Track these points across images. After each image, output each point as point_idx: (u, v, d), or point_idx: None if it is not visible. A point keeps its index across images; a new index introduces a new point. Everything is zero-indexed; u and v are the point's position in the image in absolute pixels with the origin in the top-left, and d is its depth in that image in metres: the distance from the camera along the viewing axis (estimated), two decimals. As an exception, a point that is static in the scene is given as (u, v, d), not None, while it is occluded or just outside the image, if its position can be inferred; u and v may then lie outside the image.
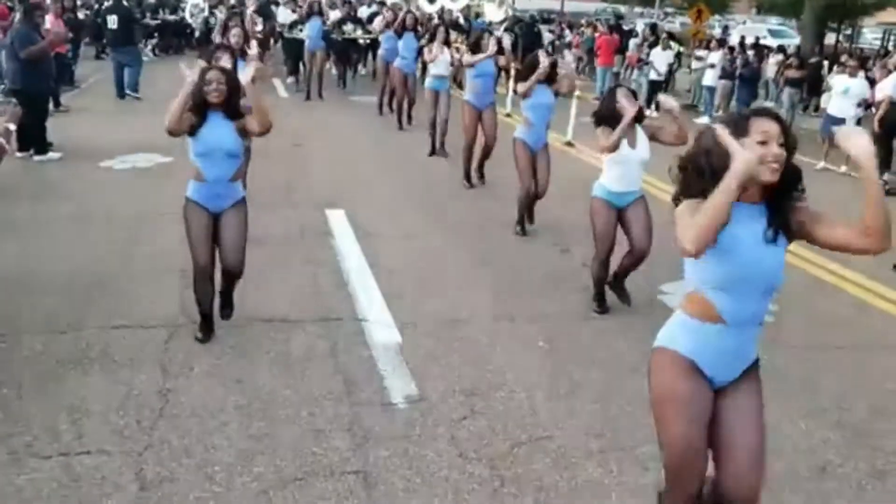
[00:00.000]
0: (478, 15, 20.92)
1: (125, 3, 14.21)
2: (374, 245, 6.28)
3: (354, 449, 3.52)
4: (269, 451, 3.46)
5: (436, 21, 14.14)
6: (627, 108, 4.81)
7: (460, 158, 8.57)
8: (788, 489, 3.41)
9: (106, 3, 15.54)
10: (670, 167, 2.52)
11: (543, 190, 6.70)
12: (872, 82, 11.42)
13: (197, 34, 19.05)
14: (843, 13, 24.27)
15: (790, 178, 2.37)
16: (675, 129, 4.71)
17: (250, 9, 13.71)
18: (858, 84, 10.89)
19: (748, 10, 38.68)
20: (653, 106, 13.78)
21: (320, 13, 14.15)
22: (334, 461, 3.42)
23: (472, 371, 4.30)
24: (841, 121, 10.75)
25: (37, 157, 8.59)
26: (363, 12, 17.78)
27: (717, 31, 26.42)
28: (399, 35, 11.57)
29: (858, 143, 2.21)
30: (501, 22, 18.23)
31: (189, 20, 19.86)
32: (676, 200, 2.46)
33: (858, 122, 11.07)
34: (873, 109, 10.59)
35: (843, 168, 10.68)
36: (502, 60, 8.61)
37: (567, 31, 24.92)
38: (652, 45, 16.75)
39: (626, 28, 21.72)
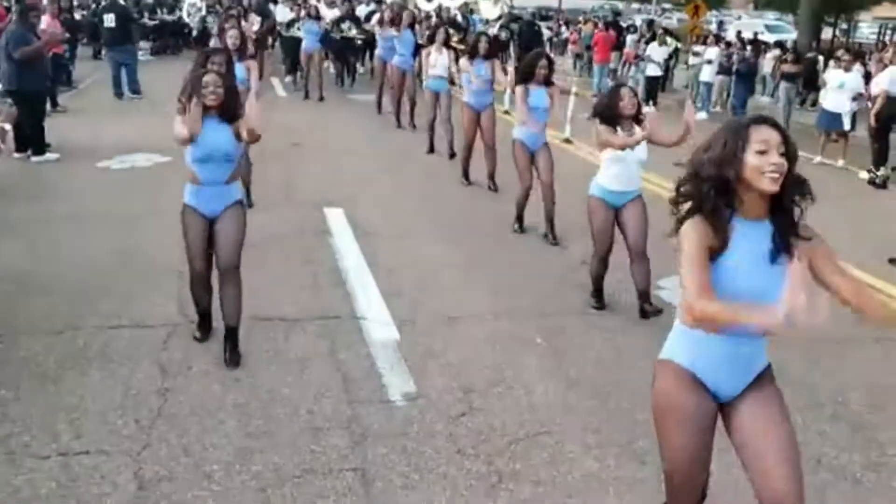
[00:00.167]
0: (472, 11, 20.91)
1: (122, 1, 14.20)
2: (372, 243, 6.29)
3: (353, 446, 3.53)
4: (267, 450, 3.47)
5: (434, 20, 14.12)
6: (636, 136, 4.81)
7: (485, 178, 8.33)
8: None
9: (103, 2, 15.51)
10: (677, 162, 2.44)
11: (548, 188, 6.55)
12: (869, 76, 11.42)
13: (194, 34, 19.08)
14: (839, 8, 24.33)
15: (794, 190, 2.27)
16: (677, 137, 4.70)
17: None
18: (853, 78, 10.88)
19: (745, 6, 38.70)
20: (650, 102, 13.79)
21: (318, 17, 14.15)
22: (333, 459, 3.43)
23: (470, 368, 4.31)
24: (836, 115, 10.78)
25: (34, 158, 8.58)
26: (361, 11, 17.78)
27: (714, 27, 26.43)
28: (393, 25, 11.53)
29: (819, 316, 2.00)
30: (497, 19, 18.22)
31: (186, 20, 19.88)
32: (676, 202, 2.37)
33: (854, 116, 11.10)
34: (869, 104, 10.58)
35: (841, 162, 10.70)
36: (500, 76, 8.31)
37: (563, 28, 24.94)
38: (649, 41, 16.76)
39: (624, 24, 21.73)
